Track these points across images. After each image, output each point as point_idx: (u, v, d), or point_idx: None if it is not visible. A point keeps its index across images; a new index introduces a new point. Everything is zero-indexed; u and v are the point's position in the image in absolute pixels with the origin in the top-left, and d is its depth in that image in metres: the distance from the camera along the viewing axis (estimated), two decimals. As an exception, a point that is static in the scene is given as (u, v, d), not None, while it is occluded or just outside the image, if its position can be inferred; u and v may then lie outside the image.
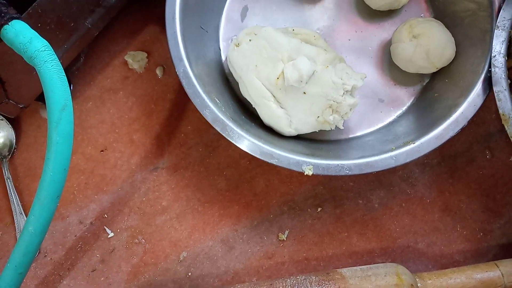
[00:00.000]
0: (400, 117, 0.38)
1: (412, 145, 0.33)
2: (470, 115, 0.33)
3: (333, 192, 0.38)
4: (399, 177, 0.38)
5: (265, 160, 0.33)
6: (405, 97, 0.39)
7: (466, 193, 0.37)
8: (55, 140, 0.27)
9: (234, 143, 0.33)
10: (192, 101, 0.34)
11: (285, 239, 0.37)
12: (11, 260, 0.29)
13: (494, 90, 0.32)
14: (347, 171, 0.32)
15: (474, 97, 0.33)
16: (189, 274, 0.37)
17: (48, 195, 0.28)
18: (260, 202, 0.38)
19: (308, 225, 0.37)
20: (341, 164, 0.33)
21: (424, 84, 0.39)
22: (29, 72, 0.33)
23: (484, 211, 0.37)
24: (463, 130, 0.36)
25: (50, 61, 0.27)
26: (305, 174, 0.32)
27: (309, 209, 0.38)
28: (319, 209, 0.38)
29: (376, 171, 0.32)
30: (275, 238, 0.37)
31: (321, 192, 0.38)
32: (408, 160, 0.32)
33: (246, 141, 0.33)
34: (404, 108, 0.38)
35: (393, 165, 0.32)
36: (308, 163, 0.33)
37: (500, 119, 0.33)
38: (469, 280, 0.32)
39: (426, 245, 0.37)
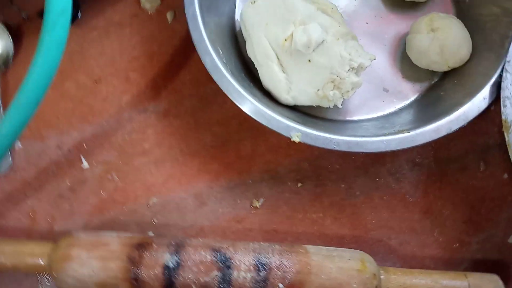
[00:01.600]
0: (401, 110, 0.37)
1: (406, 134, 0.32)
2: (471, 116, 0.32)
3: (317, 171, 0.37)
4: (386, 170, 0.37)
5: (255, 118, 0.32)
6: (411, 92, 0.38)
7: (451, 200, 0.36)
8: (47, 43, 0.26)
9: (228, 95, 0.32)
10: (195, 44, 0.33)
11: (258, 207, 0.36)
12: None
13: (501, 96, 0.31)
14: (335, 146, 0.31)
15: (480, 99, 0.32)
16: (155, 220, 0.36)
17: (28, 99, 0.27)
18: (242, 165, 0.37)
19: (285, 198, 0.36)
20: (331, 137, 0.32)
21: (433, 82, 0.38)
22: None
23: (465, 222, 0.36)
24: (461, 135, 0.36)
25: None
26: (292, 140, 0.31)
27: (289, 183, 0.37)
28: (299, 184, 0.37)
29: (364, 152, 0.31)
30: (248, 203, 0.37)
31: (305, 168, 0.37)
32: (399, 148, 0.31)
33: (241, 96, 0.32)
34: (407, 102, 0.37)
35: (383, 149, 0.31)
36: (298, 130, 0.32)
37: (502, 133, 0.32)
38: (434, 284, 0.31)
39: (399, 243, 0.36)
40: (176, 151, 0.37)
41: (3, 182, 0.36)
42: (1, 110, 0.37)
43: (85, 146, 0.37)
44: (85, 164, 0.37)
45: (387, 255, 0.35)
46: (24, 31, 0.39)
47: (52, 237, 0.36)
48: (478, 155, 0.37)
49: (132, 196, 0.37)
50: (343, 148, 0.31)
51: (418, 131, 0.32)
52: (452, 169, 0.37)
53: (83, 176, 0.37)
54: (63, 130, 0.37)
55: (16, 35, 0.39)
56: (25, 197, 0.36)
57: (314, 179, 0.37)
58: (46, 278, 0.35)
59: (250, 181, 0.37)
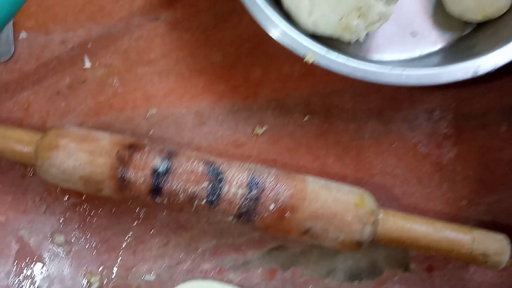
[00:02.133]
0: (426, 56, 0.35)
1: (429, 69, 0.29)
2: (500, 62, 0.29)
3: (327, 107, 0.35)
4: (401, 117, 0.34)
5: (267, 31, 0.30)
6: (439, 40, 0.35)
7: (465, 157, 0.34)
8: None
9: (245, 5, 0.30)
10: None
11: (260, 134, 0.35)
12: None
13: (539, 43, 0.28)
14: (349, 71, 0.29)
15: (512, 47, 0.29)
16: (151, 132, 0.35)
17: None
18: (249, 90, 0.35)
19: (289, 130, 0.35)
20: (347, 63, 0.29)
21: (464, 34, 0.35)
22: None
23: (477, 181, 0.33)
24: (487, 92, 0.34)
25: None
26: (305, 60, 0.29)
27: (296, 114, 0.35)
28: (306, 117, 0.35)
29: (381, 83, 0.29)
30: (250, 130, 0.35)
31: (315, 102, 0.35)
32: (420, 83, 0.29)
33: (258, 8, 0.30)
34: (434, 49, 0.35)
35: (402, 82, 0.29)
36: (312, 50, 0.30)
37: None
38: (435, 232, 0.29)
39: (402, 192, 0.34)
40: (182, 65, 0.35)
41: (2, 70, 0.35)
42: None
43: (89, 45, 0.35)
44: (87, 64, 0.35)
45: (389, 203, 0.33)
46: None
47: (44, 132, 0.35)
48: (501, 115, 0.34)
49: (130, 104, 0.35)
50: (358, 75, 0.29)
51: (442, 69, 0.29)
52: (471, 126, 0.34)
53: (83, 76, 0.35)
54: (70, 26, 0.36)
55: None
56: (22, 89, 0.35)
57: (322, 115, 0.35)
58: (31, 171, 0.34)
59: (255, 107, 0.35)
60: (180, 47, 0.35)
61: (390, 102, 0.35)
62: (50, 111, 0.35)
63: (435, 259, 0.33)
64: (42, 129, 0.34)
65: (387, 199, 0.33)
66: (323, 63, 0.29)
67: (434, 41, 0.35)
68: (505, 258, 0.28)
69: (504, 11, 0.33)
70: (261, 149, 0.34)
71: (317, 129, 0.35)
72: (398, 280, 0.33)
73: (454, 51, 0.34)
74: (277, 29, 0.30)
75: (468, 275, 0.33)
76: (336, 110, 0.35)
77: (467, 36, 0.35)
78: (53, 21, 0.36)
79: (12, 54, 0.35)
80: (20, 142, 0.31)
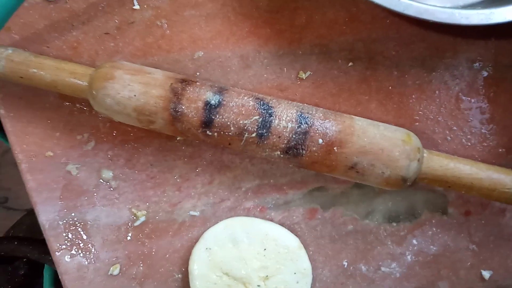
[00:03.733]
0: (470, 4, 0.35)
1: (483, 10, 0.29)
2: (555, 4, 0.30)
3: (371, 54, 0.35)
4: (444, 65, 0.35)
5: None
6: (485, -10, 0.36)
7: (505, 106, 0.34)
8: None
9: None
10: None
11: (304, 79, 0.35)
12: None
13: None
14: (403, 9, 0.29)
15: None
16: (198, 73, 0.35)
17: None
18: (294, 35, 0.36)
19: (333, 75, 0.35)
20: (401, 0, 0.30)
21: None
22: None
23: (517, 130, 0.34)
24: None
25: None
26: (358, -4, 0.30)
27: (340, 60, 0.35)
28: (350, 64, 0.35)
29: (434, 21, 0.29)
30: (294, 74, 0.35)
31: (359, 49, 0.35)
32: (471, 23, 0.29)
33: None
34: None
35: (454, 21, 0.29)
36: (366, -12, 0.30)
37: None
38: (478, 171, 0.30)
39: (443, 138, 0.34)
40: (228, 8, 0.36)
41: (52, 9, 0.36)
42: None
43: (138, -13, 0.36)
44: (136, 5, 0.35)
45: (429, 147, 0.34)
46: None
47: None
48: (544, 66, 0.35)
49: (178, 46, 0.36)
50: (412, 12, 0.29)
51: (494, 9, 0.30)
52: (511, 76, 0.35)
53: (132, 17, 0.36)
54: (119, -33, 0.36)
55: None
56: (72, 28, 0.36)
57: (366, 61, 0.35)
58: (80, 108, 0.35)
59: (300, 52, 0.35)
60: (227, -10, 0.36)
61: (433, 51, 0.35)
62: (99, 51, 0.35)
63: (473, 203, 0.34)
64: (91, 67, 0.35)
65: (427, 145, 0.34)
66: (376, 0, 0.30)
67: (483, -8, 0.35)
68: (546, 198, 0.29)
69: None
70: (305, 93, 0.35)
71: (360, 75, 0.35)
72: (436, 223, 0.34)
73: (498, 0, 0.34)
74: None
75: (504, 220, 0.33)
76: (379, 57, 0.35)
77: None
78: (102, -37, 0.36)
79: (62, -6, 0.36)
80: (73, 74, 0.32)
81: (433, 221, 0.34)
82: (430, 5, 0.30)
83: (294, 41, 0.36)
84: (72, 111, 0.36)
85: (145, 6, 0.36)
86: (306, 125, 0.30)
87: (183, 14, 0.36)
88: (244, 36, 0.36)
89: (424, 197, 0.34)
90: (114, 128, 0.35)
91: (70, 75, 0.32)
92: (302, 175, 0.34)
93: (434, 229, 0.34)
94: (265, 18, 0.36)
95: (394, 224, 0.34)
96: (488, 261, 0.33)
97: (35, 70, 0.32)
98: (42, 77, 0.32)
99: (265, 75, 0.35)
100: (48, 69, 0.32)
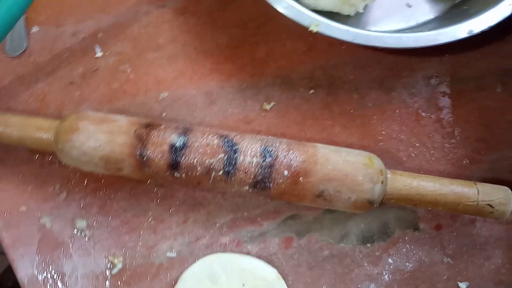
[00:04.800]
0: (423, 24, 0.37)
1: (426, 32, 0.31)
2: (494, 21, 0.31)
3: (331, 79, 0.36)
4: (401, 84, 0.36)
5: (273, 5, 0.31)
6: (433, 10, 0.37)
7: (465, 118, 0.35)
8: None
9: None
10: None
11: (268, 110, 0.36)
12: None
13: (528, 0, 0.30)
14: (353, 38, 0.31)
15: (504, 6, 0.31)
16: (164, 114, 0.36)
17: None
18: (255, 68, 0.37)
19: (295, 104, 0.36)
20: (349, 30, 0.31)
21: (456, 1, 0.37)
22: None
23: (478, 140, 0.35)
24: (482, 56, 0.35)
25: None
26: (310, 29, 0.31)
27: (301, 89, 0.36)
28: (311, 91, 0.36)
29: (382, 47, 0.31)
30: (258, 106, 0.36)
31: (318, 76, 0.36)
32: (419, 45, 0.31)
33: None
34: (429, 18, 0.37)
35: (402, 45, 0.31)
36: (317, 20, 0.31)
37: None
38: (442, 187, 0.31)
39: (407, 155, 0.35)
40: (190, 48, 0.37)
41: (16, 64, 0.36)
42: None
43: (100, 35, 0.37)
44: (99, 53, 0.37)
45: (395, 166, 0.35)
46: None
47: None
48: (496, 77, 0.36)
49: (143, 89, 0.36)
50: (361, 41, 0.31)
51: (439, 31, 0.31)
52: (469, 88, 0.36)
53: (95, 64, 0.37)
54: (80, 18, 0.37)
55: None
56: (37, 81, 0.36)
57: (326, 87, 0.36)
58: (49, 160, 0.35)
59: (262, 84, 0.36)
60: (187, 31, 0.37)
61: (390, 72, 0.36)
62: (65, 101, 0.36)
63: (443, 217, 0.34)
64: (57, 118, 0.36)
65: (393, 163, 0.35)
66: (327, 32, 0.31)
67: (428, 10, 0.37)
68: (509, 208, 0.30)
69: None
70: (270, 124, 0.36)
71: (322, 101, 0.36)
72: (409, 240, 0.34)
73: (448, 18, 0.36)
74: (282, 3, 0.32)
75: (475, 230, 0.34)
76: (339, 82, 0.36)
77: (459, 4, 0.37)
78: (64, 14, 0.37)
79: (25, 48, 0.36)
80: (39, 129, 0.32)
81: (406, 238, 0.34)
82: (378, 31, 0.31)
83: (256, 74, 0.37)
84: (43, 164, 0.36)
85: (108, 52, 0.37)
86: (270, 158, 0.30)
87: (146, 57, 0.37)
88: (207, 73, 0.37)
89: (395, 214, 0.35)
90: (84, 177, 0.35)
91: (36, 130, 0.32)
92: (275, 205, 0.35)
93: (408, 246, 0.34)
94: (226, 54, 0.37)
95: (369, 245, 0.34)
96: (464, 272, 0.34)
97: (1, 128, 0.32)
98: (9, 135, 0.32)
99: (230, 110, 0.36)
100: (14, 126, 0.33)
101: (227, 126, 0.36)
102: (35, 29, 0.37)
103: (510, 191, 0.31)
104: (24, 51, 0.36)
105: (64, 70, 0.36)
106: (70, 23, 0.37)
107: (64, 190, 0.36)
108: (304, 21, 0.31)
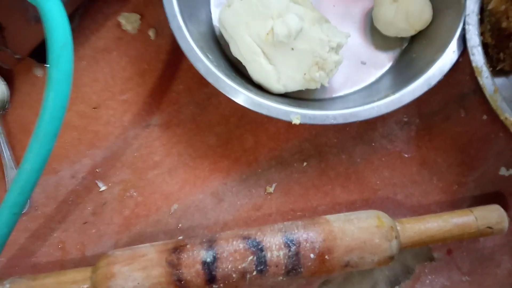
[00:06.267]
0: (381, 77, 0.41)
1: (392, 97, 0.35)
2: (446, 69, 0.35)
3: (318, 148, 0.40)
4: (379, 134, 0.40)
5: (256, 110, 0.34)
6: (386, 60, 0.41)
7: (442, 148, 0.40)
8: (55, 77, 0.28)
9: (227, 94, 0.35)
10: (185, 54, 0.35)
11: (272, 192, 0.39)
12: (6, 200, 0.30)
13: (468, 46, 0.34)
14: (333, 120, 0.34)
15: (450, 53, 0.35)
16: (180, 225, 0.38)
17: (47, 132, 0.28)
18: (249, 157, 0.39)
19: (294, 179, 0.39)
20: (327, 114, 0.34)
21: (403, 47, 0.41)
22: (28, 21, 0.33)
23: (459, 165, 0.39)
24: (439, 89, 0.39)
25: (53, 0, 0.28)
26: (293, 123, 0.34)
27: (295, 164, 0.39)
28: (304, 164, 0.39)
29: (359, 120, 0.34)
30: (262, 191, 0.39)
31: (306, 148, 0.40)
32: (389, 110, 0.34)
33: (239, 93, 0.35)
34: (384, 70, 0.41)
35: (375, 115, 0.34)
36: (296, 113, 0.35)
37: (474, 80, 0.36)
38: (445, 224, 0.35)
39: (405, 196, 0.39)
40: (185, 157, 0.39)
41: (26, 221, 0.38)
42: (8, 150, 0.38)
43: (98, 170, 0.38)
44: (103, 186, 0.38)
45: (397, 209, 0.39)
46: (16, 75, 0.40)
47: (85, 263, 0.38)
48: (457, 103, 0.41)
49: (153, 207, 0.38)
50: (340, 121, 0.34)
51: (402, 92, 0.35)
52: (437, 121, 0.41)
53: (102, 198, 0.38)
54: (74, 159, 0.39)
55: (9, 79, 0.40)
56: (51, 231, 0.38)
57: (316, 156, 0.40)
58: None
59: (259, 170, 0.39)
60: (178, 142, 0.39)
61: (366, 126, 0.40)
62: (84, 241, 0.37)
63: (450, 242, 0.38)
64: (83, 261, 0.37)
65: (394, 207, 0.39)
66: (308, 121, 0.34)
67: (381, 63, 0.41)
68: (506, 225, 0.34)
69: (429, 21, 0.39)
70: (278, 204, 0.39)
71: (317, 170, 0.39)
72: (429, 271, 0.38)
73: (402, 67, 0.40)
74: (257, 102, 0.34)
75: (480, 244, 0.38)
76: (326, 147, 0.40)
77: (407, 50, 0.41)
78: (57, 160, 0.38)
79: (29, 205, 0.38)
80: (75, 283, 0.34)
81: (426, 270, 0.38)
82: (351, 108, 0.35)
83: (252, 163, 0.40)
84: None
85: (111, 184, 0.39)
86: (294, 246, 0.33)
87: (147, 178, 0.39)
88: (208, 175, 0.39)
89: (411, 253, 0.38)
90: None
91: (72, 285, 0.34)
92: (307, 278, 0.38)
93: (430, 276, 0.38)
94: (219, 152, 0.40)
95: (397, 287, 0.38)
96: (484, 284, 0.38)
97: (38, 294, 0.34)
98: (47, 297, 0.34)
99: (238, 202, 0.39)
100: (50, 287, 0.34)
101: (240, 218, 0.38)
102: (35, 182, 0.38)
103: (501, 208, 0.35)
104: (29, 207, 0.38)
105: (74, 213, 0.38)
106: (66, 167, 0.38)
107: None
108: (285, 117, 0.34)
